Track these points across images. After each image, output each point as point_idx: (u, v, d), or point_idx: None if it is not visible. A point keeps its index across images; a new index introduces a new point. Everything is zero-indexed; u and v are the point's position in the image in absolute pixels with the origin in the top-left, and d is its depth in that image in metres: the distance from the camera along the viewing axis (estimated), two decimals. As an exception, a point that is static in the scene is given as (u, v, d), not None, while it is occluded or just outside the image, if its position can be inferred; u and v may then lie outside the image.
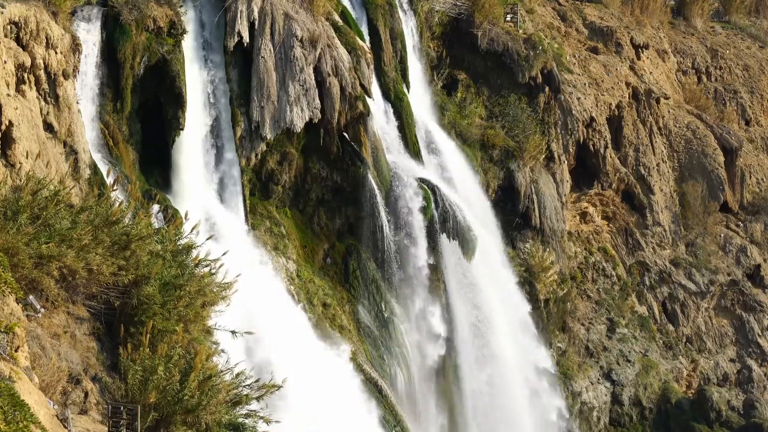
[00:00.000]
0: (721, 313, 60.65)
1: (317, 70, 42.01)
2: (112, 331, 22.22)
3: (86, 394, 20.16)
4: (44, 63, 32.57)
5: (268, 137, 41.11)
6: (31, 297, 20.32)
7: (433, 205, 44.82)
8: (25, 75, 31.83)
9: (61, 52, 33.36)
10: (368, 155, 43.64)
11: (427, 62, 52.14)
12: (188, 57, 39.57)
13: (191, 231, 24.91)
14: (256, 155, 41.27)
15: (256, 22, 41.07)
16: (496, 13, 53.55)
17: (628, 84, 59.48)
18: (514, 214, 51.70)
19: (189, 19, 40.16)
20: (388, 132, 46.43)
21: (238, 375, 22.00)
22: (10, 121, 29.68)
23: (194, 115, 39.44)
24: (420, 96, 50.34)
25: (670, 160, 61.77)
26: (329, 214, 43.96)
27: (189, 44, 39.87)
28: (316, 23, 42.51)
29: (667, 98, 63.03)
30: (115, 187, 26.37)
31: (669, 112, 62.95)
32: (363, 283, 43.56)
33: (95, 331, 22.01)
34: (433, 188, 45.40)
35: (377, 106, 45.59)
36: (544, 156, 53.26)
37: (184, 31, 39.20)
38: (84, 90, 36.20)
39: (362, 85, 43.46)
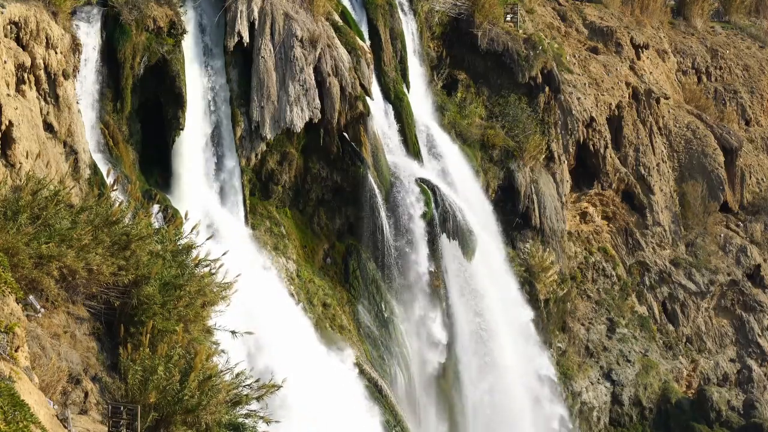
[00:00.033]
0: (721, 313, 60.66)
1: (317, 70, 42.01)
2: (112, 331, 22.22)
3: (86, 394, 20.17)
4: (44, 63, 32.57)
5: (268, 137, 41.11)
6: (31, 297, 20.32)
7: (433, 205, 44.81)
8: (25, 75, 31.84)
9: (61, 52, 33.36)
10: (368, 155, 43.64)
11: (427, 62, 52.14)
12: (188, 57, 39.57)
13: (191, 231, 24.91)
14: (256, 155, 41.28)
15: (256, 22, 41.07)
16: (496, 13, 53.55)
17: (628, 84, 59.49)
18: (514, 214, 51.69)
19: (189, 19, 40.15)
20: (388, 132, 46.43)
21: (238, 375, 22.00)
22: (10, 121, 29.69)
23: (194, 115, 39.43)
24: (420, 96, 50.34)
25: (670, 160, 61.77)
26: (329, 214, 43.97)
27: (189, 44, 39.87)
28: (316, 23, 42.51)
29: (667, 98, 63.04)
30: (115, 187, 26.37)
31: (669, 112, 62.95)
32: (363, 283, 43.55)
33: (95, 331, 22.02)
34: (433, 188, 45.39)
35: (377, 106, 45.59)
36: (544, 156, 53.26)
37: (184, 31, 39.20)
38: (84, 90, 36.20)
39: (362, 85, 43.46)
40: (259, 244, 40.76)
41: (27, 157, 29.80)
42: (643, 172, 58.96)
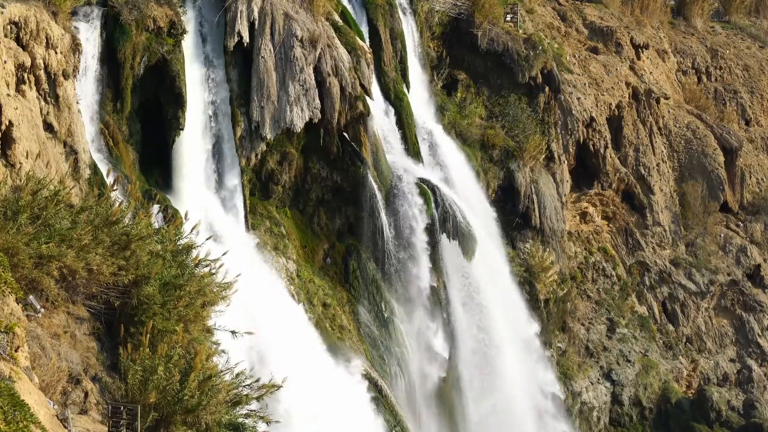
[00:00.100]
0: (721, 313, 60.66)
1: (317, 70, 42.01)
2: (112, 331, 22.22)
3: (86, 394, 20.16)
4: (44, 63, 32.57)
5: (268, 137, 41.11)
6: (31, 297, 20.32)
7: (433, 205, 44.80)
8: (25, 75, 31.84)
9: (61, 52, 33.36)
10: (368, 155, 43.63)
11: (427, 62, 52.14)
12: (188, 57, 39.56)
13: (191, 231, 24.91)
14: (256, 155, 41.27)
15: (256, 22, 41.06)
16: (496, 13, 53.55)
17: (628, 84, 59.49)
18: (514, 214, 51.69)
19: (189, 19, 40.14)
20: (388, 132, 46.41)
21: (238, 375, 22.00)
22: (10, 121, 29.69)
23: (194, 115, 39.43)
24: (420, 96, 50.33)
25: (670, 160, 61.77)
26: (329, 214, 43.96)
27: (189, 44, 39.86)
28: (316, 23, 42.51)
29: (667, 98, 63.04)
30: (115, 187, 26.38)
31: (669, 112, 62.95)
32: (363, 283, 43.54)
33: (95, 331, 22.01)
34: (433, 188, 45.37)
35: (377, 106, 45.57)
36: (544, 156, 53.26)
37: (184, 31, 39.19)
38: (84, 90, 36.19)
39: (362, 85, 43.46)
40: (259, 244, 40.76)
41: (27, 157, 29.80)
42: (643, 172, 58.97)
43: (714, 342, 59.53)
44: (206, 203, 39.23)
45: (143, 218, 23.97)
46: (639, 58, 63.01)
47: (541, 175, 52.74)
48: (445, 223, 45.06)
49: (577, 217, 57.45)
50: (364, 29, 47.07)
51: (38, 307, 20.48)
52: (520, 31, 55.19)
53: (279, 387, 22.34)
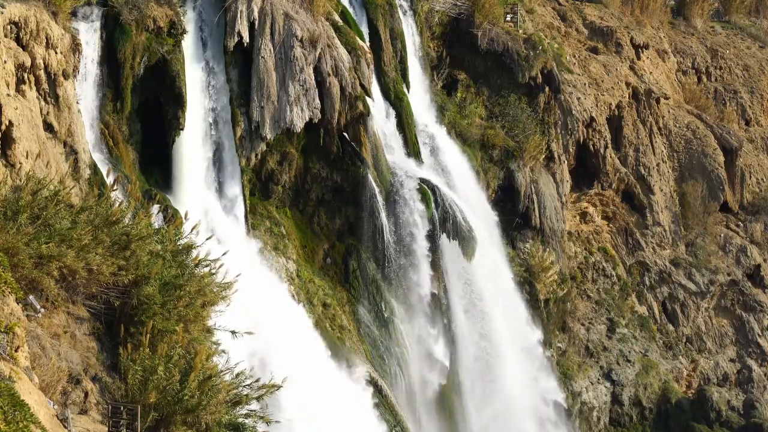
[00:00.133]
0: (721, 313, 60.65)
1: (317, 70, 42.01)
2: (112, 331, 22.22)
3: (86, 394, 20.16)
4: (44, 63, 32.58)
5: (268, 137, 41.11)
6: (31, 297, 20.32)
7: (433, 205, 44.79)
8: (25, 75, 31.85)
9: (61, 52, 33.37)
10: (368, 155, 43.63)
11: (427, 62, 52.13)
12: (188, 57, 39.56)
13: (191, 231, 24.91)
14: (256, 155, 41.27)
15: (256, 22, 41.06)
16: (496, 13, 53.55)
17: (628, 84, 59.49)
18: (514, 214, 51.68)
19: (189, 19, 40.15)
20: (388, 132, 46.41)
21: (238, 375, 22.00)
22: (10, 121, 29.70)
23: (194, 115, 39.43)
24: (420, 96, 50.32)
25: (670, 160, 61.77)
26: (329, 214, 43.96)
27: (189, 44, 39.86)
28: (316, 23, 42.51)
29: (667, 98, 63.04)
30: (115, 187, 26.38)
31: (669, 112, 62.95)
32: (363, 283, 43.54)
33: (95, 331, 22.01)
34: (433, 188, 45.37)
35: (377, 106, 45.57)
36: (544, 156, 53.25)
37: (184, 31, 39.19)
38: (84, 90, 36.20)
39: (362, 85, 43.46)
40: (259, 244, 40.76)
41: (27, 157, 29.81)
42: (643, 172, 58.96)
43: (714, 342, 59.53)
44: (206, 203, 39.24)
45: (143, 218, 23.97)
46: (639, 58, 63.01)
47: (541, 175, 52.74)
48: (445, 223, 45.06)
49: (577, 217, 57.45)
50: (364, 29, 47.06)
51: (38, 307, 20.48)
52: (520, 31, 55.19)
53: (279, 387, 22.34)
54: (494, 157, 51.57)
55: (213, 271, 24.13)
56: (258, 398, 22.13)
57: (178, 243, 24.46)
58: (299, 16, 42.10)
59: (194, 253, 24.29)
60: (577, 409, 52.66)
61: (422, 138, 48.30)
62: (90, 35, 36.62)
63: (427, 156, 47.92)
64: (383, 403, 40.52)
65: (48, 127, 32.83)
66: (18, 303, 18.86)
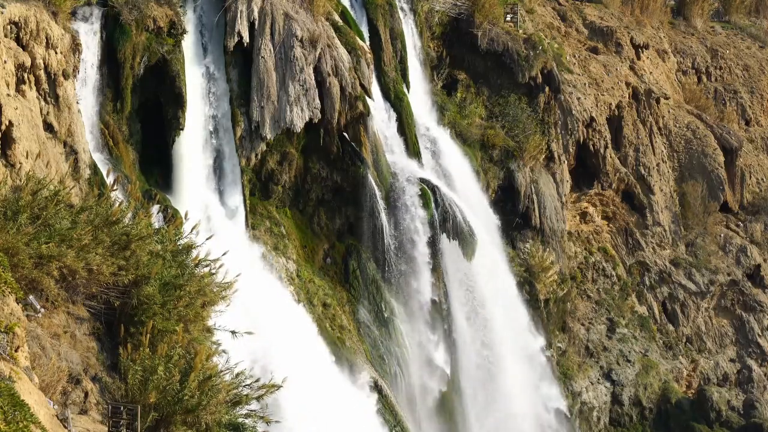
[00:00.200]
0: (721, 313, 60.65)
1: (317, 70, 42.01)
2: (112, 331, 22.22)
3: (86, 394, 20.16)
4: (44, 63, 32.58)
5: (268, 137, 41.11)
6: (31, 297, 20.32)
7: (433, 205, 44.79)
8: (25, 75, 31.84)
9: (61, 52, 33.37)
10: (368, 155, 43.63)
11: (427, 62, 52.13)
12: (188, 57, 39.56)
13: (191, 231, 24.91)
14: (256, 155, 41.27)
15: (256, 22, 41.06)
16: (496, 13, 53.54)
17: (628, 84, 59.49)
18: (514, 214, 51.67)
19: (189, 19, 40.15)
20: (388, 132, 46.40)
21: (238, 375, 22.00)
22: (10, 121, 29.69)
23: (194, 115, 39.42)
24: (420, 96, 50.31)
25: (670, 160, 61.77)
26: (329, 214, 43.95)
27: (189, 44, 39.86)
28: (316, 23, 42.50)
29: (667, 98, 63.04)
30: (115, 187, 26.37)
31: (669, 112, 62.95)
32: (363, 283, 43.54)
33: (95, 331, 22.01)
34: (433, 188, 45.37)
35: (377, 106, 45.57)
36: (544, 156, 53.25)
37: (184, 31, 39.19)
38: (84, 90, 36.19)
39: (362, 85, 43.46)
40: (259, 244, 40.75)
41: (27, 157, 29.81)
42: (643, 172, 58.96)
43: (714, 342, 59.53)
44: (206, 203, 39.23)
45: (143, 218, 23.97)
46: (639, 58, 63.01)
47: (541, 175, 52.74)
48: (445, 223, 45.06)
49: (577, 217, 57.45)
50: (364, 29, 47.06)
51: (38, 307, 20.49)
52: (520, 31, 55.19)
53: (279, 387, 22.34)
54: (494, 157, 51.57)
55: (213, 271, 24.13)
56: (258, 398, 22.13)
57: (178, 243, 24.46)
58: (299, 16, 42.10)
59: (194, 253, 24.29)
60: (577, 409, 52.66)
61: (422, 138, 48.28)
62: (90, 35, 36.62)
63: (427, 156, 47.91)
64: (383, 404, 40.52)
65: (48, 127, 32.83)
66: (18, 303, 18.86)
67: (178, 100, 38.61)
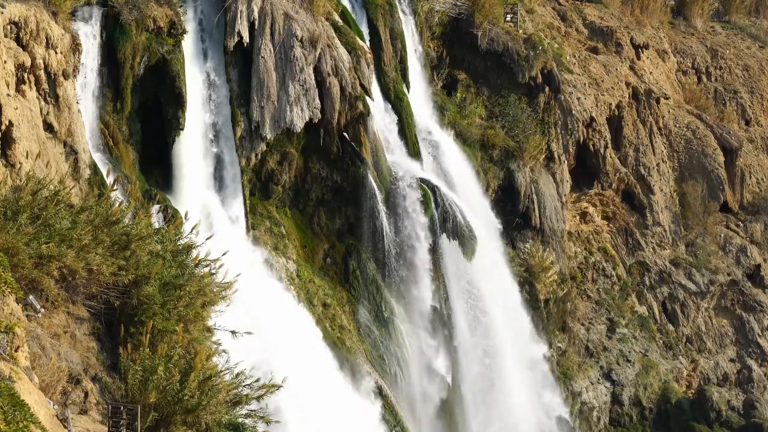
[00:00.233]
0: (721, 313, 60.65)
1: (317, 70, 42.01)
2: (112, 331, 22.22)
3: (86, 394, 20.16)
4: (44, 63, 32.58)
5: (268, 137, 41.11)
6: (31, 297, 20.32)
7: (433, 205, 44.79)
8: (25, 75, 31.84)
9: (61, 52, 33.37)
10: (368, 155, 43.63)
11: (427, 62, 52.13)
12: (188, 57, 39.56)
13: (191, 231, 24.91)
14: (256, 155, 41.27)
15: (256, 22, 41.06)
16: (496, 13, 53.54)
17: (628, 84, 59.48)
18: (514, 214, 51.67)
19: (189, 19, 40.14)
20: (388, 132, 46.39)
21: (238, 375, 22.00)
22: (10, 121, 29.69)
23: (194, 115, 39.42)
24: (420, 96, 50.31)
25: (670, 160, 61.77)
26: (329, 214, 43.96)
27: (189, 44, 39.86)
28: (316, 23, 42.50)
29: (667, 98, 63.03)
30: (115, 187, 26.37)
31: (669, 112, 62.94)
32: (363, 283, 43.54)
33: (95, 331, 22.01)
34: (433, 188, 45.37)
35: (377, 106, 45.56)
36: (544, 156, 53.25)
37: (184, 31, 39.19)
38: (84, 90, 36.19)
39: (362, 85, 43.46)
40: (259, 244, 40.75)
41: (27, 157, 29.81)
42: (643, 172, 58.96)
43: (714, 342, 59.53)
44: (206, 203, 39.22)
45: (143, 218, 23.97)
46: (639, 58, 63.01)
47: (541, 175, 52.73)
48: (445, 223, 45.05)
49: (577, 217, 57.45)
50: (364, 29, 47.06)
51: (38, 307, 20.48)
52: (520, 31, 55.19)
53: (279, 387, 22.34)
54: (494, 157, 51.57)
55: (213, 271, 24.13)
56: (258, 398, 22.13)
57: (178, 243, 24.46)
58: (299, 16, 42.10)
59: (194, 253, 24.28)
60: (577, 409, 52.66)
61: (422, 138, 48.28)
62: (90, 35, 36.62)
63: (427, 156, 47.91)
64: (383, 404, 40.52)
65: (48, 127, 32.83)
66: (18, 303, 18.86)
67: (178, 100, 38.61)
